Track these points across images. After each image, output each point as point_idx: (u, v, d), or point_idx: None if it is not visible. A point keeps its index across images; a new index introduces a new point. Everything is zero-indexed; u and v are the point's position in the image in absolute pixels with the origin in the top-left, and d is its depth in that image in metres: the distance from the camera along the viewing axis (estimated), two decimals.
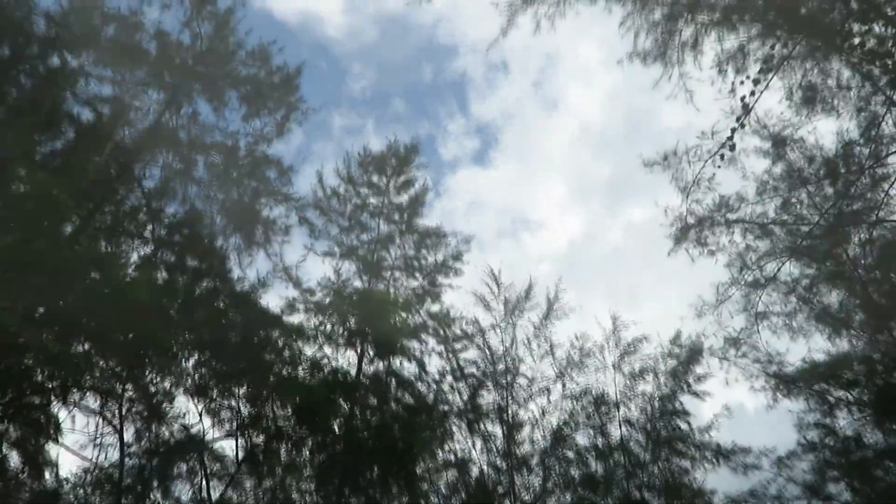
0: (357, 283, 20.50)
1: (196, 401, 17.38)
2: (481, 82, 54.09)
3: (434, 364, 21.16)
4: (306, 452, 18.14)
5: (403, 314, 20.08)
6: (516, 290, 19.14)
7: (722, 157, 12.00)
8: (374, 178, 22.71)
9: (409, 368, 19.83)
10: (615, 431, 17.46)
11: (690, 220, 14.37)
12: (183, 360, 18.00)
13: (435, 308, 20.46)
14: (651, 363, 17.75)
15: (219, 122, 16.17)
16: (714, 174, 12.64)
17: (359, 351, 19.39)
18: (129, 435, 16.60)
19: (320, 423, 18.16)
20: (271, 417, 18.16)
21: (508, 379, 18.14)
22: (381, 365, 19.81)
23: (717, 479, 16.68)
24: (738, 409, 29.70)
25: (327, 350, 18.98)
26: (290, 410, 18.40)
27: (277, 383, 17.98)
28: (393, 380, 19.62)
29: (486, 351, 18.63)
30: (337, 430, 17.93)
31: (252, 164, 15.81)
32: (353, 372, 19.11)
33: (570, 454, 17.39)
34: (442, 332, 19.85)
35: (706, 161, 12.16)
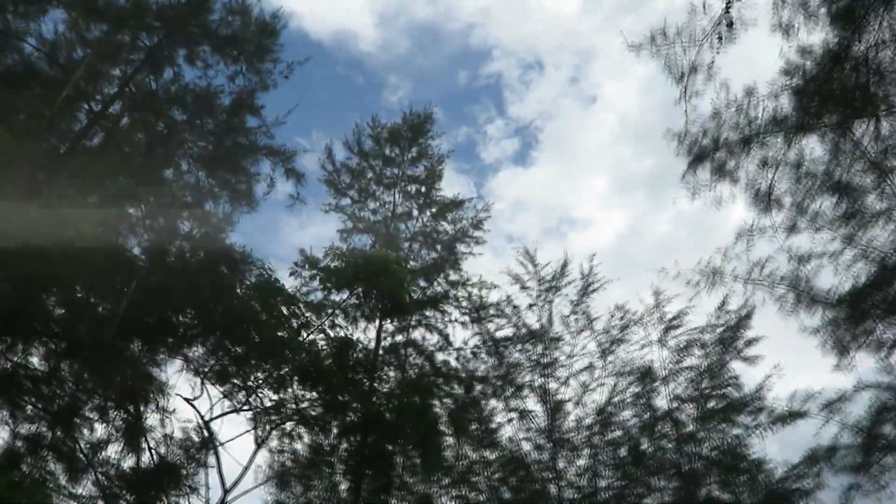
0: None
1: (206, 385, 16.60)
2: (517, 83, 52.88)
3: (459, 336, 19.78)
4: (332, 435, 17.08)
5: (423, 282, 19.02)
6: (552, 268, 17.60)
7: (720, 37, 10.36)
8: (388, 151, 21.91)
9: (431, 339, 18.79)
10: (663, 405, 15.99)
11: (705, 143, 12.55)
12: (196, 343, 17.31)
13: (455, 277, 19.47)
14: (697, 335, 16.01)
15: (203, 81, 15.72)
16: (713, 59, 10.88)
17: (377, 324, 18.32)
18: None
19: (341, 403, 17.06)
20: (292, 400, 17.17)
21: (547, 356, 16.84)
22: (399, 337, 18.73)
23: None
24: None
25: (341, 321, 18.07)
26: (311, 392, 17.41)
27: (297, 365, 17.01)
28: (413, 352, 18.53)
29: (523, 329, 17.37)
30: (359, 408, 16.81)
31: (231, 113, 15.03)
32: (372, 345, 18.12)
33: (618, 432, 15.98)
34: (466, 298, 18.67)
35: (701, 43, 10.45)
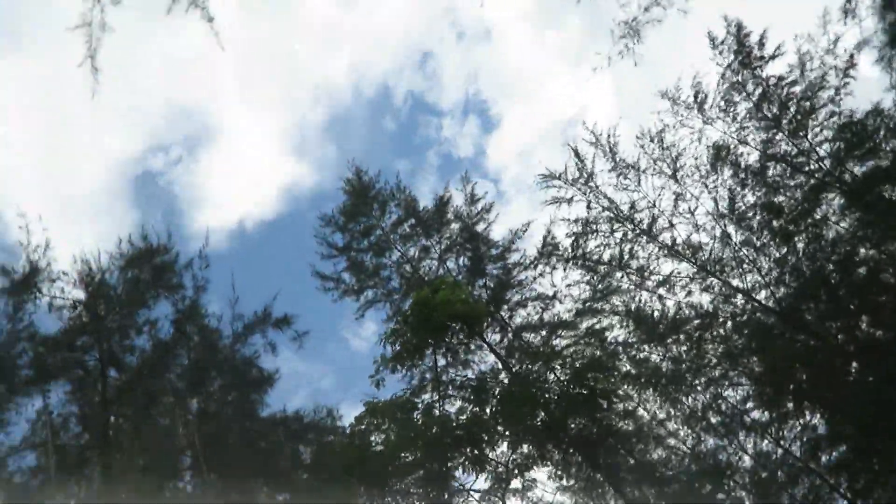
0: None
1: None
2: (426, 81, 51.50)
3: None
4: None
5: (481, 281, 17.69)
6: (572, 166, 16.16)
7: None
8: (354, 227, 20.49)
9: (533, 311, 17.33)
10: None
11: None
12: None
13: (495, 252, 18.08)
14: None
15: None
16: None
17: (484, 347, 16.80)
18: None
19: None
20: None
21: (654, 226, 15.15)
22: (508, 335, 17.19)
23: None
24: None
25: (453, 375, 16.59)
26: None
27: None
28: (530, 334, 17.04)
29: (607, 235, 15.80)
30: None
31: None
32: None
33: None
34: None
35: None
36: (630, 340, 14.40)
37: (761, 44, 14.28)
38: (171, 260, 17.02)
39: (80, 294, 16.18)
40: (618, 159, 15.44)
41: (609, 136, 15.49)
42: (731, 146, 14.63)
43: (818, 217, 13.58)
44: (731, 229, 14.12)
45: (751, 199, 14.50)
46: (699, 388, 13.18)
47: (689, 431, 13.37)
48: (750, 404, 13.06)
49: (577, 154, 15.84)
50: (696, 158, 14.87)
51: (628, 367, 13.94)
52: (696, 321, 13.67)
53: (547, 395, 14.69)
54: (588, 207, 15.60)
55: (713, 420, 13.17)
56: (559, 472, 14.12)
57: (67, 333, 15.88)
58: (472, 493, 14.31)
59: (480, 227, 18.18)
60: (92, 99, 10.52)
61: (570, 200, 15.84)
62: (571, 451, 14.11)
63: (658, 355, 13.95)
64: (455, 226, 18.74)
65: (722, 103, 14.67)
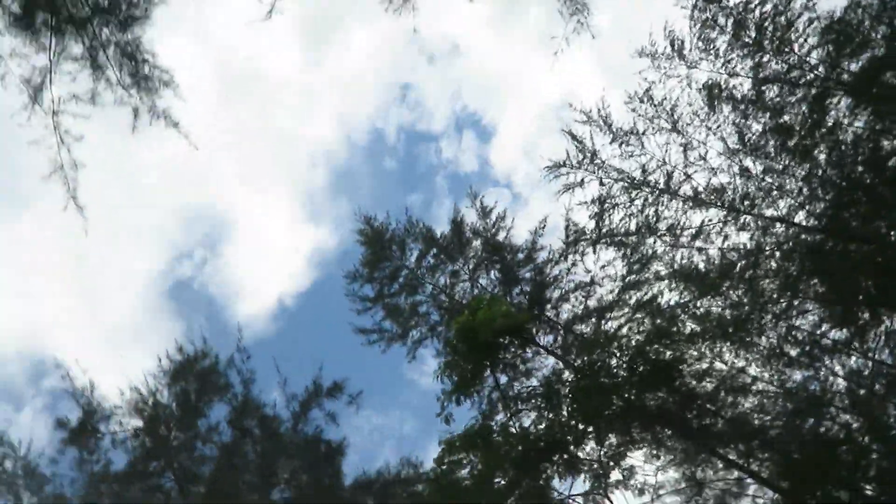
0: None
1: None
2: (412, 108, 51.71)
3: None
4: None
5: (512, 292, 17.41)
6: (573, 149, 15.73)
7: None
8: (378, 274, 20.39)
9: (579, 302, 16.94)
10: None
11: None
12: None
13: (521, 256, 17.88)
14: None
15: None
16: None
17: (541, 351, 16.44)
18: None
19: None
20: None
21: (671, 182, 14.75)
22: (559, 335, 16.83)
23: None
24: None
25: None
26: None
27: None
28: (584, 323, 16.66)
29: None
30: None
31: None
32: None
33: None
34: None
35: None
36: (683, 301, 14.00)
37: None
38: (213, 362, 17.15)
39: (137, 422, 16.30)
40: (615, 129, 15.18)
41: (599, 109, 15.25)
42: (722, 82, 14.28)
43: (830, 124, 13.14)
44: (748, 163, 13.73)
45: (758, 127, 14.08)
46: (768, 325, 12.66)
47: (772, 372, 12.85)
48: (825, 326, 12.53)
49: (573, 137, 15.61)
50: (690, 105, 14.53)
51: (690, 328, 13.51)
52: (743, 261, 13.24)
53: (616, 380, 14.32)
54: (600, 184, 15.26)
55: (793, 353, 12.63)
56: (654, 452, 13.65)
57: (136, 463, 16.09)
58: (573, 498, 13.90)
59: (501, 237, 18.06)
60: (86, 236, 10.50)
61: (581, 183, 15.56)
62: (658, 427, 13.69)
63: (716, 307, 13.52)
64: (476, 243, 18.61)
65: (700, 43, 14.39)
